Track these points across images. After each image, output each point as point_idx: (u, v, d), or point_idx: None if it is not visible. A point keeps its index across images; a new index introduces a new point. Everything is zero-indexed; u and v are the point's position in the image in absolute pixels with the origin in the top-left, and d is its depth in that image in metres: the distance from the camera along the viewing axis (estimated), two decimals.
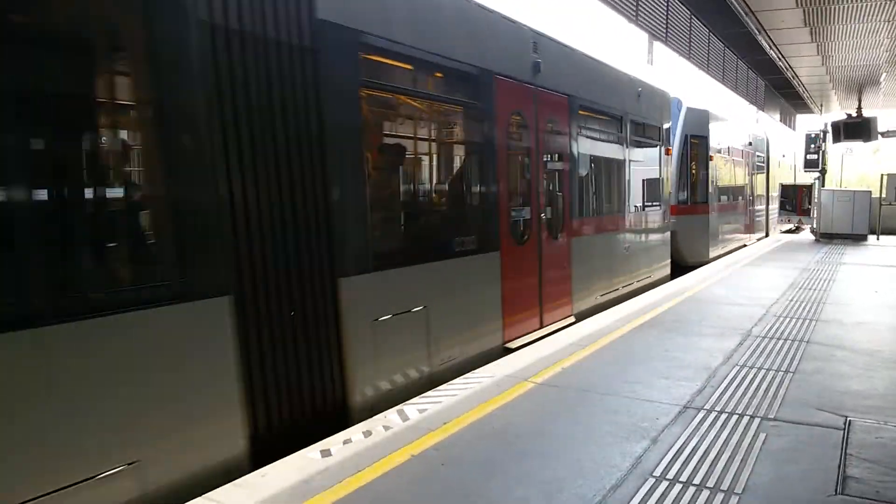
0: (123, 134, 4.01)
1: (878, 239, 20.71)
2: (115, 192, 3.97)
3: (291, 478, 3.91)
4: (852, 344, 7.13)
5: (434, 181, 7.22)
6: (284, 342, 4.57)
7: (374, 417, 4.94)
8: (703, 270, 13.79)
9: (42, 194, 3.48)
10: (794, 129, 33.16)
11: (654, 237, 12.35)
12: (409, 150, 6.51)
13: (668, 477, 3.94)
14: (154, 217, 4.02)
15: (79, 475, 3.36)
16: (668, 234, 13.16)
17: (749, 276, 12.76)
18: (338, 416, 5.01)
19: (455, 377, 6.13)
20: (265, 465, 4.11)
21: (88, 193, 3.83)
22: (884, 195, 21.36)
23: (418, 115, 6.60)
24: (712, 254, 16.37)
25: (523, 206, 7.82)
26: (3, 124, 3.21)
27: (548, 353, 6.77)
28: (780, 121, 30.14)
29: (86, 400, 3.43)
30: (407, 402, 5.31)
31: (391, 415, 4.99)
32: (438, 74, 6.58)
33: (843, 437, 4.51)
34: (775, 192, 24.55)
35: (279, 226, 4.50)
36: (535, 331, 7.94)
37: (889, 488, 3.78)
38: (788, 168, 28.48)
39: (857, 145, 27.21)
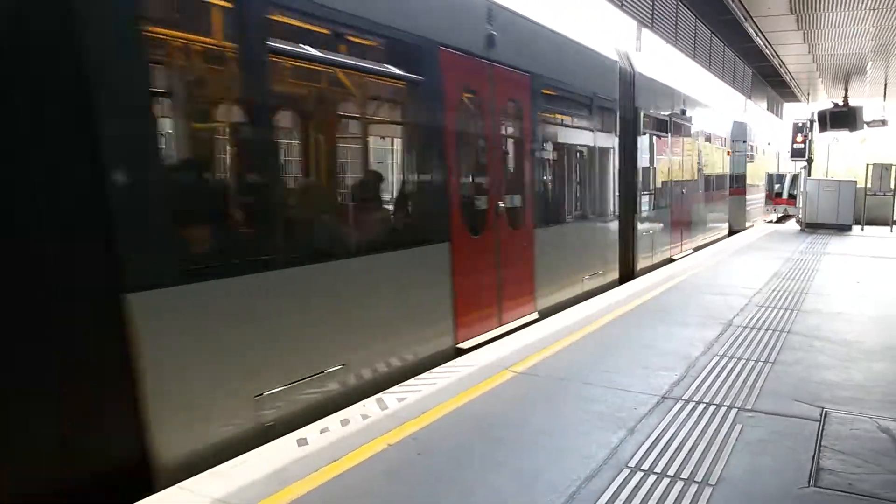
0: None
1: (862, 229, 20.84)
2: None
3: (266, 467, 3.89)
4: (832, 334, 7.18)
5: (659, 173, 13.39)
6: (623, 236, 10.88)
7: (352, 406, 4.92)
8: (691, 258, 13.88)
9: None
10: (781, 117, 33.25)
11: (721, 208, 19.43)
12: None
13: (643, 468, 3.95)
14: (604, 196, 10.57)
15: (587, 275, 9.58)
16: (727, 207, 20.16)
17: (733, 265, 12.83)
18: (629, 277, 11.09)
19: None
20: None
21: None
22: (869, 185, 21.48)
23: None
24: (747, 224, 22.77)
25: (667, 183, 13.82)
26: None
27: (530, 341, 6.77)
28: (768, 109, 30.19)
29: (585, 248, 9.79)
30: (386, 391, 5.30)
31: (370, 404, 4.97)
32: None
33: (819, 429, 4.54)
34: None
35: (616, 194, 10.64)
36: (678, 254, 14.27)
37: (861, 480, 3.81)
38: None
39: (843, 135, 27.34)
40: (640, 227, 11.89)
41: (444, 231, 6.37)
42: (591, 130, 9.90)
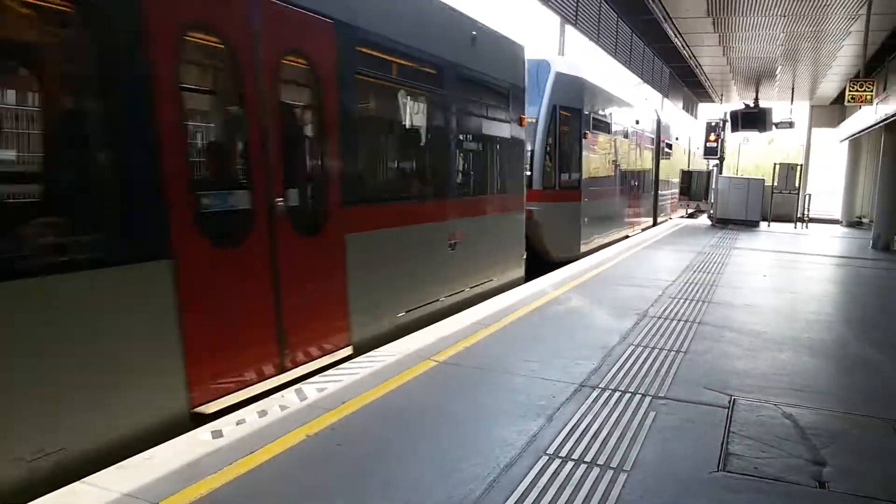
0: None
1: (769, 225, 21.85)
2: None
3: (178, 460, 3.75)
4: (740, 325, 7.48)
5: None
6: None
7: (271, 397, 4.81)
8: (608, 250, 14.16)
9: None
10: (695, 117, 34.40)
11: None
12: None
13: (560, 455, 4.01)
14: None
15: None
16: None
17: (648, 258, 13.19)
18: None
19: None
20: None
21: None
22: (776, 183, 22.52)
23: None
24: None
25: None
26: None
27: (451, 331, 6.78)
28: (683, 108, 31.18)
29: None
30: (306, 381, 5.21)
31: (288, 394, 4.87)
32: None
33: (728, 415, 4.71)
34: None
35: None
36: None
37: (766, 464, 3.97)
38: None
39: (753, 135, 28.56)
40: None
41: None
42: None
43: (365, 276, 6.17)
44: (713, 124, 27.22)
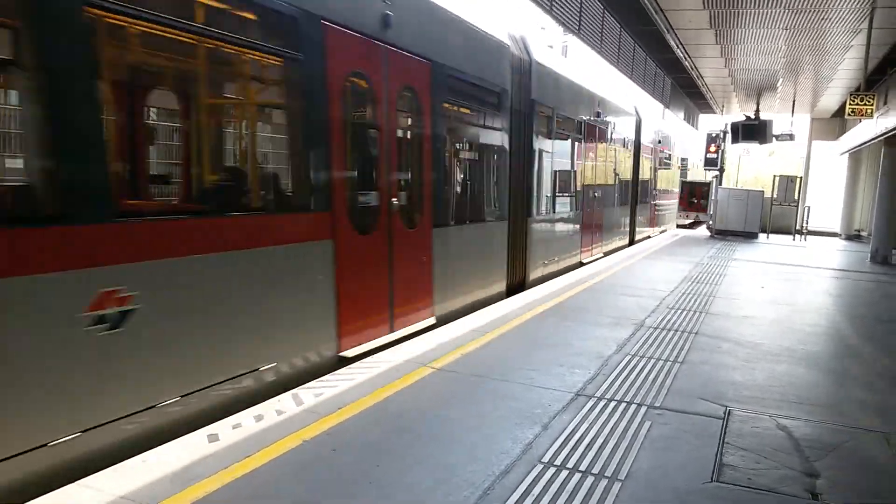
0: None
1: (767, 237, 21.88)
2: None
3: (175, 464, 3.76)
4: (737, 336, 7.49)
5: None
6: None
7: (268, 401, 4.83)
8: (604, 261, 14.19)
9: None
10: (696, 127, 34.46)
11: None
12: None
13: (555, 463, 4.02)
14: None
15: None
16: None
17: (646, 268, 13.21)
18: None
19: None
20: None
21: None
22: (775, 195, 22.57)
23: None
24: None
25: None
26: None
27: (449, 338, 6.80)
28: (685, 119, 31.25)
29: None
30: (303, 385, 5.22)
31: (285, 399, 4.89)
32: None
33: (723, 427, 4.72)
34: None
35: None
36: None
37: (760, 476, 3.98)
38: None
39: (753, 147, 28.61)
40: None
41: None
42: None
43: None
44: (714, 135, 27.29)
